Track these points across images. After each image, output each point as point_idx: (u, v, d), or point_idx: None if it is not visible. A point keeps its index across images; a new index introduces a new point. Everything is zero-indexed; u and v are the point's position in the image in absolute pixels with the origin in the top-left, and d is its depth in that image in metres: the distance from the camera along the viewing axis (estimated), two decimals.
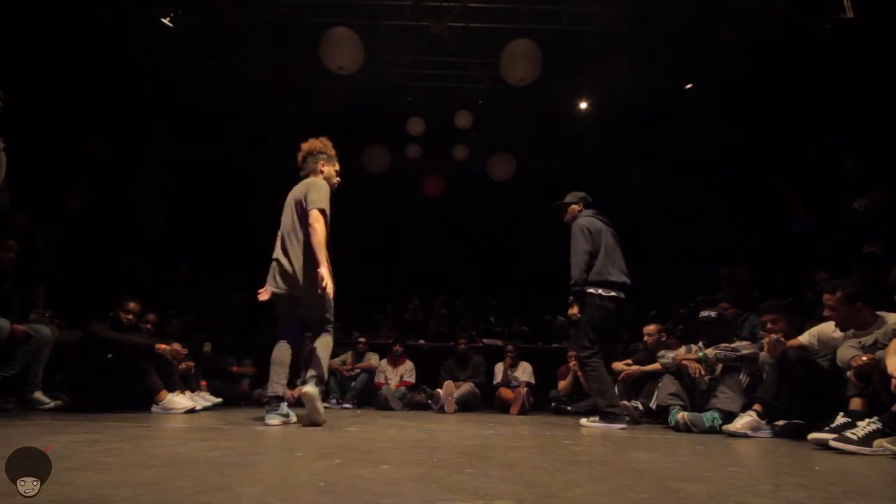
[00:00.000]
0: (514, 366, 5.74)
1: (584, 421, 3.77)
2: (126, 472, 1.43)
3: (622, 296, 3.65)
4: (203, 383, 4.80)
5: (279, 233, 3.23)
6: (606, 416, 3.57)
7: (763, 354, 3.43)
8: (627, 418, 3.79)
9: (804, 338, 3.23)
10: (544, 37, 6.02)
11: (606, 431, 3.39)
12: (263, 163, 7.29)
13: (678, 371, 3.95)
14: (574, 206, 3.96)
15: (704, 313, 4.04)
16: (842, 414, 2.64)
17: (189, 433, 2.61)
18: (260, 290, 3.15)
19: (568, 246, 3.74)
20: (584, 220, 3.78)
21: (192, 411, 3.83)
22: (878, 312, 2.91)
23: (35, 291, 4.29)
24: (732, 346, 3.69)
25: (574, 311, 3.64)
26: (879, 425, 2.38)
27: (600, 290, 3.59)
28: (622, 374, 4.46)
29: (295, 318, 3.23)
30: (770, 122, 6.19)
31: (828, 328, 3.13)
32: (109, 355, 3.87)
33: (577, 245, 3.69)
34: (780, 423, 3.13)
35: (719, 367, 3.74)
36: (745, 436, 3.09)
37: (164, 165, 7.73)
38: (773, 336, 3.29)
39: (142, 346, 3.95)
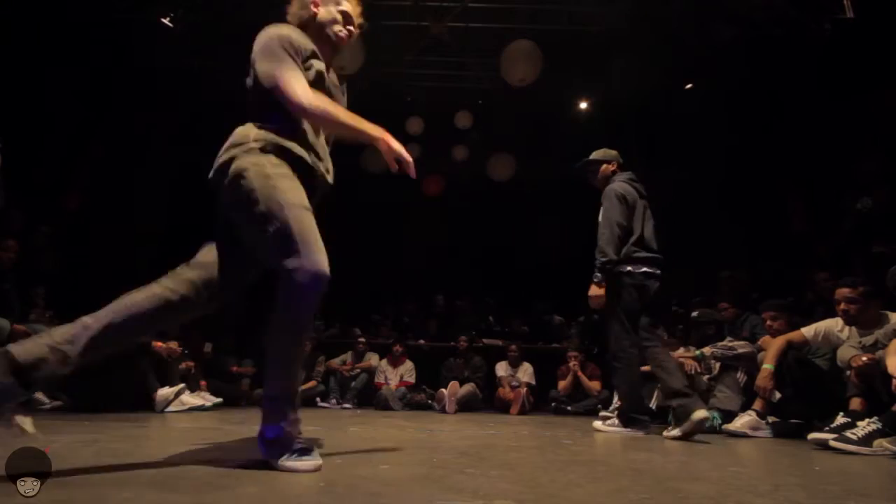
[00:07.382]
0: (515, 366, 5.74)
1: (598, 424, 3.30)
2: (126, 472, 1.43)
3: (658, 272, 3.17)
4: (203, 383, 4.80)
5: None
6: (631, 422, 3.12)
7: (762, 354, 3.43)
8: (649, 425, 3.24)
9: (807, 331, 3.23)
10: (544, 37, 6.02)
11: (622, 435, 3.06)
12: None
13: None
14: (607, 166, 3.42)
15: (698, 314, 4.07)
16: (842, 414, 2.65)
17: (189, 433, 2.61)
18: None
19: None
20: (620, 186, 3.25)
21: (195, 409, 3.85)
22: (882, 311, 2.93)
23: (35, 291, 4.28)
24: (729, 344, 3.70)
25: (598, 292, 3.05)
26: (879, 425, 2.38)
27: (638, 268, 3.09)
28: None
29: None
30: (770, 123, 6.19)
31: (834, 326, 3.12)
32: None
33: (610, 214, 3.14)
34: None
35: (717, 366, 3.75)
36: (744, 435, 3.09)
37: (164, 165, 7.72)
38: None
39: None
